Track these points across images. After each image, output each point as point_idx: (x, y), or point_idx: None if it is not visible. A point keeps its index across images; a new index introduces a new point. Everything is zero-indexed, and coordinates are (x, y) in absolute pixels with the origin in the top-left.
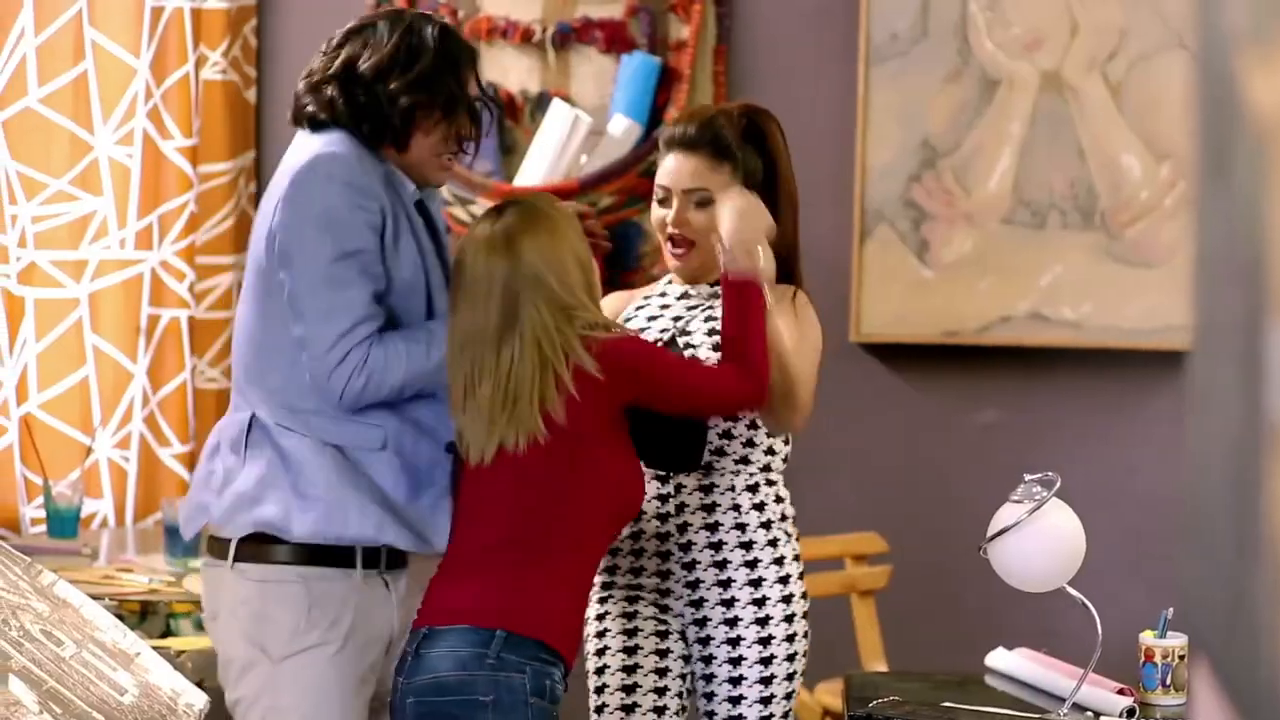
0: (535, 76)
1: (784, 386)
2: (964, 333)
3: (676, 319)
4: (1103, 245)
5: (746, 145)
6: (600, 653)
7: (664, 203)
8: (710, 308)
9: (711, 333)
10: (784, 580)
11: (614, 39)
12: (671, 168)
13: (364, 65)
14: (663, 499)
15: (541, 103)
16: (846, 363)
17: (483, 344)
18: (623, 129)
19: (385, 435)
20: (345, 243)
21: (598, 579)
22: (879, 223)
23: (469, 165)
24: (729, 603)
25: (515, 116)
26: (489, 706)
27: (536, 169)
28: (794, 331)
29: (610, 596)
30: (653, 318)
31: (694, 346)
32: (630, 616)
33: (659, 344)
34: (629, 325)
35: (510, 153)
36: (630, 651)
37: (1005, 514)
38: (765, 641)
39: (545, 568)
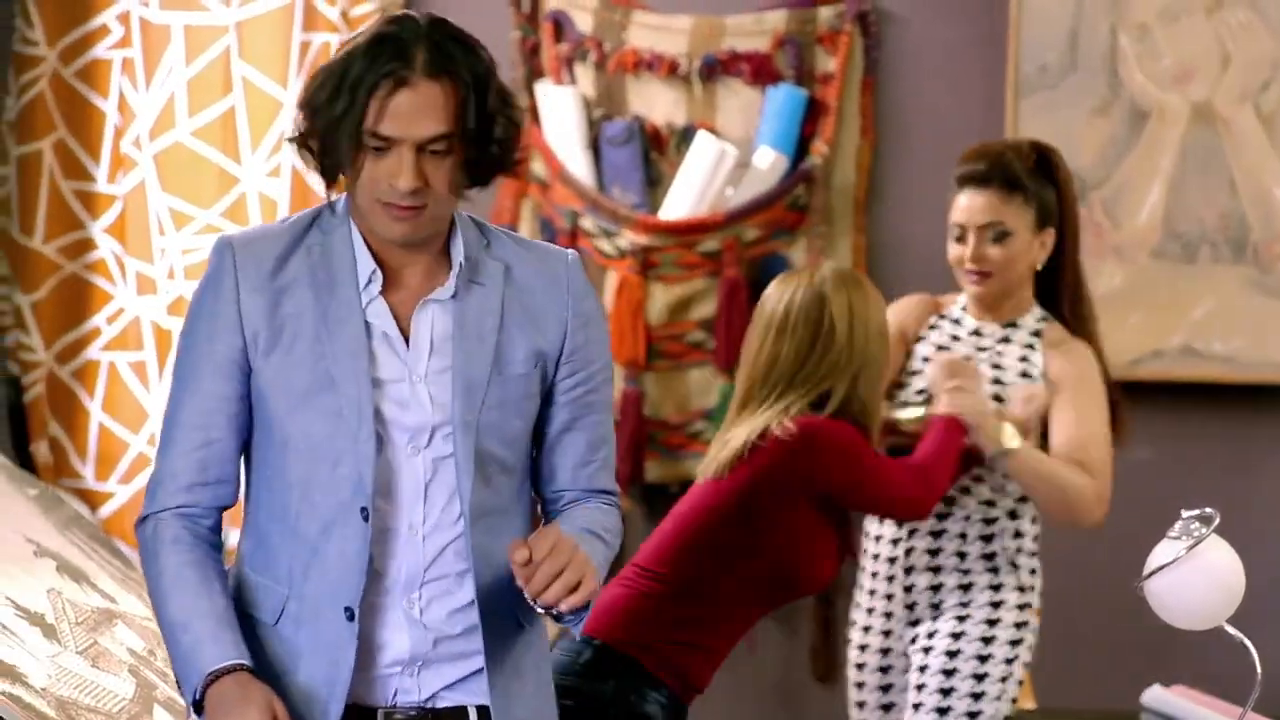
0: (681, 109)
1: (1072, 501)
2: (1115, 367)
3: (966, 359)
4: (1254, 279)
5: (1038, 177)
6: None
7: (961, 239)
8: (999, 353)
9: (997, 381)
10: (995, 605)
11: (760, 71)
12: (965, 204)
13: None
14: (900, 523)
15: (687, 135)
16: None
17: None
18: (768, 161)
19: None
20: (180, 368)
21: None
22: None
23: (609, 195)
24: (936, 619)
25: (661, 149)
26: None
27: (682, 201)
28: (1085, 414)
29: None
30: (941, 347)
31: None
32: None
33: None
34: (917, 348)
35: (656, 185)
36: (863, 649)
37: (1162, 551)
38: (953, 655)
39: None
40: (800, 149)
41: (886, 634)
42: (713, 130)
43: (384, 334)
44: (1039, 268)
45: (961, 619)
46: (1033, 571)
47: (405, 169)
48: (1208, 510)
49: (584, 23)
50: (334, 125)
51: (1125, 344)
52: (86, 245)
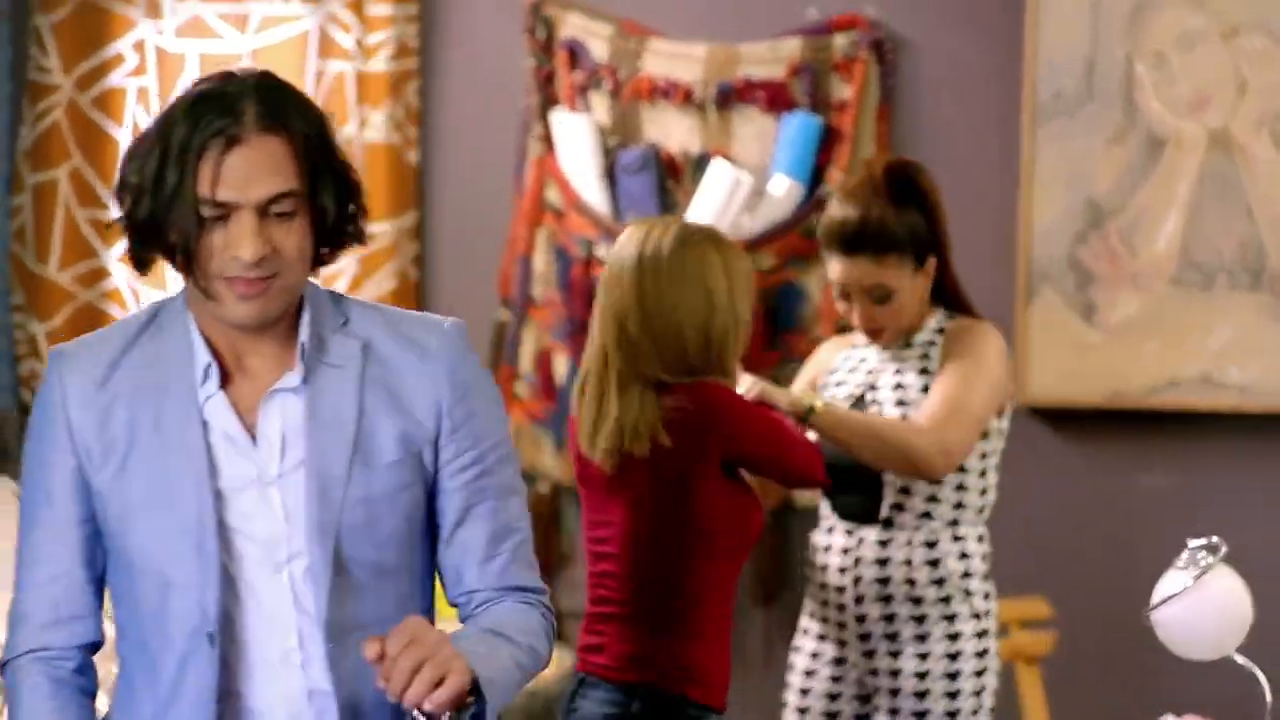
0: (696, 136)
1: (900, 451)
2: (1131, 396)
3: (870, 372)
4: (1272, 306)
5: (903, 210)
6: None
7: (847, 298)
8: (900, 360)
9: (899, 387)
10: (953, 638)
11: (775, 99)
12: (840, 269)
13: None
14: (845, 551)
15: (702, 163)
16: (1011, 425)
17: None
18: (784, 189)
19: None
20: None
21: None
22: (1044, 284)
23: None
24: (896, 654)
25: (676, 176)
26: None
27: None
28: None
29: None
30: (852, 370)
31: (880, 403)
32: (815, 656)
33: (850, 400)
34: (829, 378)
35: (671, 212)
36: (810, 674)
37: (1170, 581)
38: (922, 695)
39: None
40: (816, 176)
41: (839, 661)
42: (728, 158)
43: (225, 434)
44: (928, 289)
45: (923, 656)
46: (986, 596)
47: (247, 235)
48: (1214, 540)
49: (599, 51)
50: (169, 201)
51: (1142, 373)
52: (101, 274)
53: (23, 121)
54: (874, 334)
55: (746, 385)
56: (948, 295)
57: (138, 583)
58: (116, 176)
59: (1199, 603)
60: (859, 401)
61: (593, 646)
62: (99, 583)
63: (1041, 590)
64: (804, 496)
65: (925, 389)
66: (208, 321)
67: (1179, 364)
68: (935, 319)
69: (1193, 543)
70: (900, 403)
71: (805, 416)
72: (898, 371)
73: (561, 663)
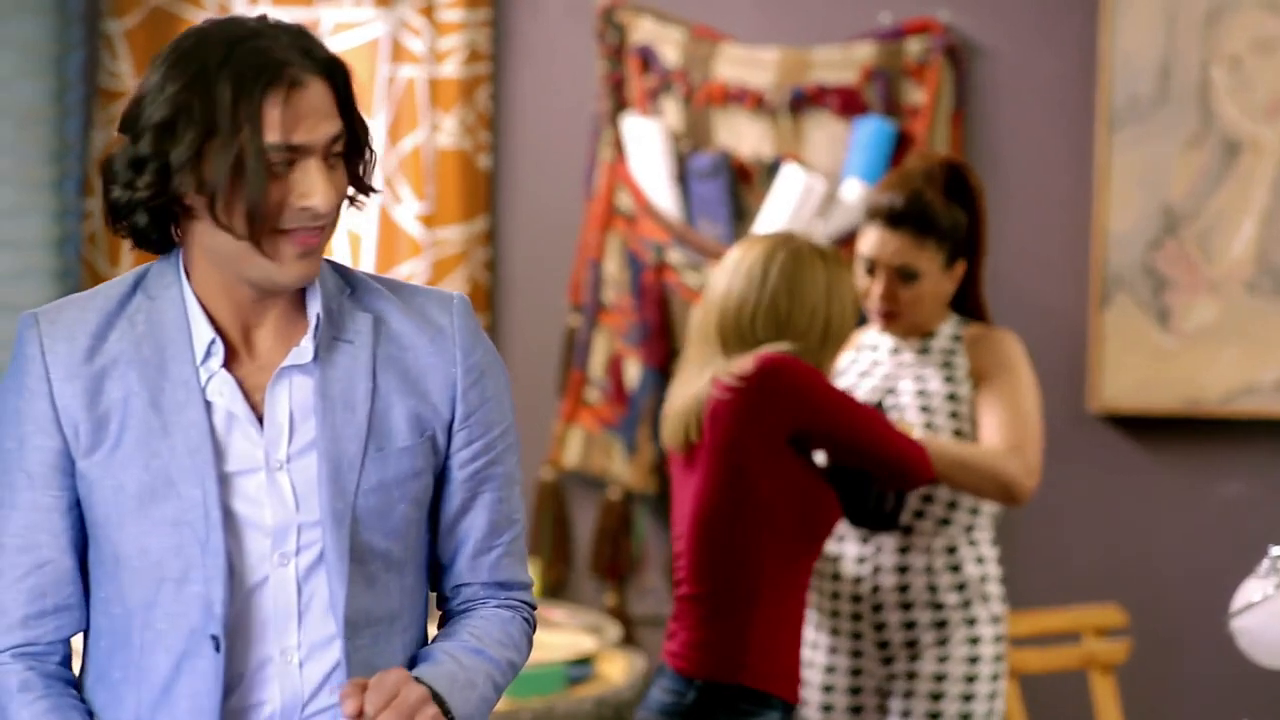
0: (768, 141)
1: (993, 478)
2: (1207, 403)
3: (886, 377)
4: None
5: (951, 204)
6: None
7: (871, 273)
8: (921, 366)
9: (921, 393)
10: (973, 641)
11: (848, 103)
12: (875, 241)
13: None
14: (861, 560)
15: (774, 168)
16: (1085, 433)
17: None
18: (856, 194)
19: None
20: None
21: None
22: (1118, 290)
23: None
24: (914, 659)
25: (748, 181)
26: None
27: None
28: (1010, 385)
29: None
30: (864, 374)
31: (901, 409)
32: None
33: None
34: (841, 380)
35: (743, 218)
36: (829, 690)
37: (1249, 589)
38: (937, 697)
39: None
40: None
41: (856, 673)
42: (800, 163)
43: (230, 415)
44: (951, 295)
45: (942, 659)
46: (1001, 599)
47: (320, 182)
48: None
49: (670, 55)
50: (236, 155)
51: (1218, 379)
52: None
53: (94, 126)
54: (887, 317)
55: None
56: (969, 303)
57: (124, 575)
58: (126, 153)
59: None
60: (876, 408)
61: (668, 634)
62: (84, 569)
63: (1117, 598)
64: None
65: (951, 397)
66: (214, 291)
67: (1255, 371)
68: (951, 324)
69: (1274, 550)
70: (924, 409)
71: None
72: (918, 377)
73: (633, 667)
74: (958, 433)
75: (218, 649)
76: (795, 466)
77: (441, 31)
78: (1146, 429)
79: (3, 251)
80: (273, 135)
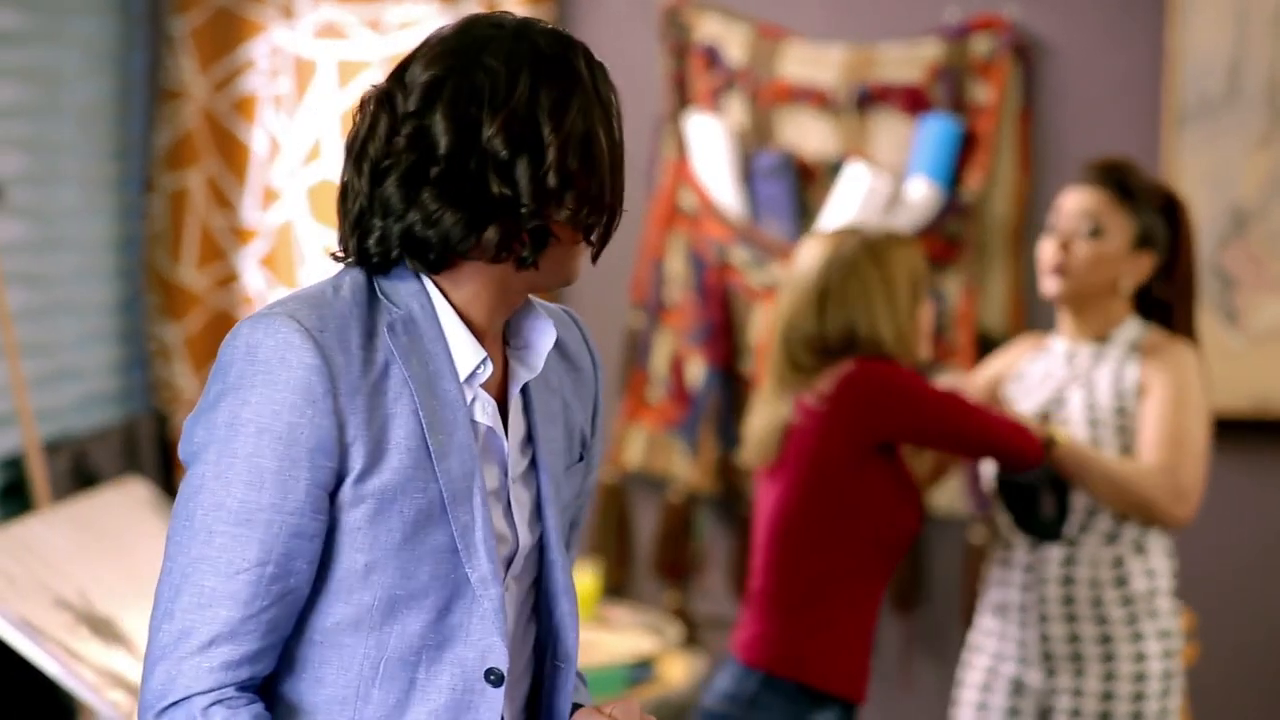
0: (832, 139)
1: (1139, 499)
2: (1277, 404)
3: (1057, 388)
4: None
5: (1158, 208)
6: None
7: (1055, 230)
8: (1091, 372)
9: (1090, 406)
10: (1139, 658)
11: (914, 101)
12: (1070, 200)
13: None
14: (1028, 569)
15: (838, 166)
16: None
17: None
18: (922, 193)
19: None
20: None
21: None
22: None
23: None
24: (1079, 674)
25: (812, 179)
26: None
27: None
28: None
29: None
30: (1041, 380)
31: (1067, 423)
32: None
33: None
34: (1015, 385)
35: (807, 215)
36: (986, 689)
37: None
38: (1105, 717)
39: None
40: (954, 180)
41: (1017, 686)
42: (865, 161)
43: (489, 435)
44: (1131, 290)
45: (1108, 677)
46: (1173, 614)
47: None
48: None
49: (735, 54)
50: (615, 165)
51: None
52: (234, 277)
53: (157, 125)
54: (1060, 272)
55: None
56: (1158, 311)
57: (364, 599)
58: (562, 168)
59: None
60: (1044, 420)
61: (738, 625)
62: None
63: (1185, 601)
64: (942, 502)
65: (1120, 410)
66: (477, 303)
67: None
68: (1130, 328)
69: None
70: (1092, 423)
71: (1045, 449)
72: (1089, 388)
73: (694, 668)
74: (1124, 448)
75: (498, 684)
76: (880, 478)
77: None
78: (1215, 431)
79: (66, 251)
80: None
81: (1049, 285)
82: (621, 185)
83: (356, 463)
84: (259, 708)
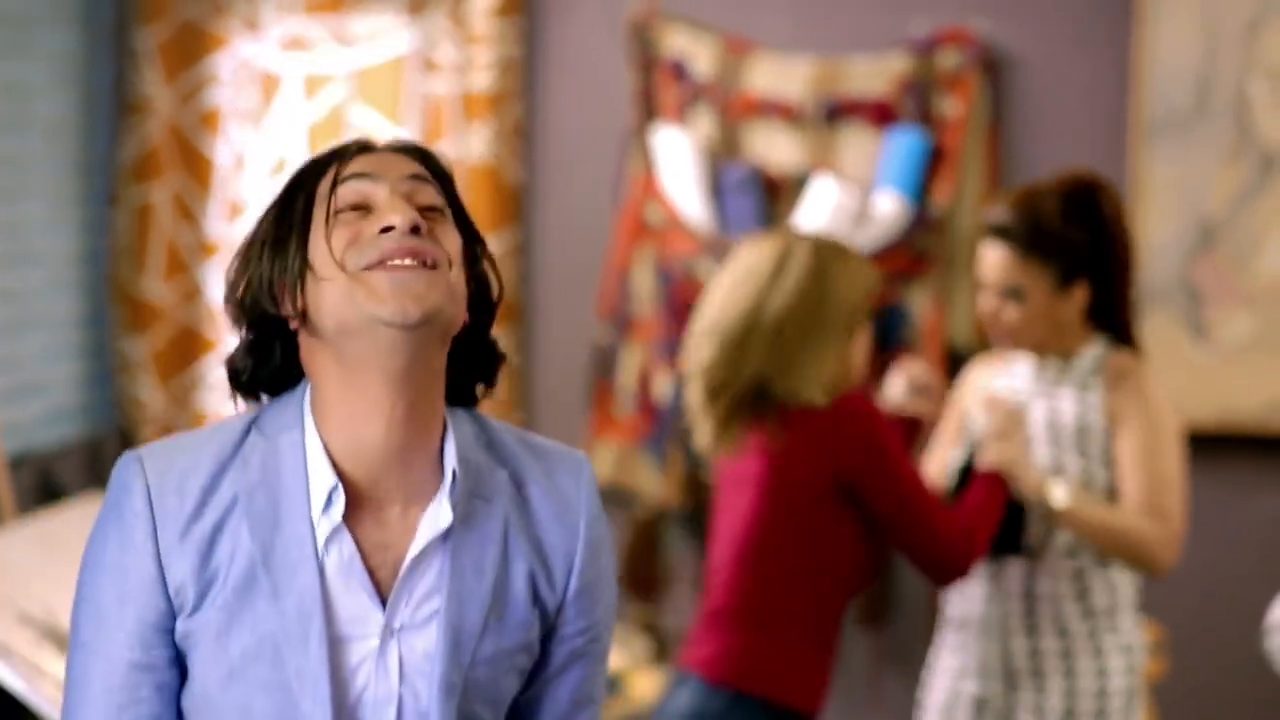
0: (800, 152)
1: (1137, 551)
2: (1244, 418)
3: (1016, 405)
4: None
5: (1069, 224)
6: None
7: (983, 284)
8: (1054, 395)
9: (1051, 425)
10: (1101, 673)
11: (881, 114)
12: (984, 259)
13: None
14: (990, 580)
15: (805, 180)
16: None
17: None
18: (889, 206)
19: None
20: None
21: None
22: (1154, 304)
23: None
24: (1040, 690)
25: (780, 193)
26: None
27: None
28: (1152, 441)
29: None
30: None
31: (1029, 440)
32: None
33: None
34: (980, 400)
35: (774, 229)
36: (954, 699)
37: None
38: None
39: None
40: (922, 194)
41: (980, 704)
42: (832, 174)
43: (346, 576)
44: (1078, 318)
45: (1070, 694)
46: (1135, 628)
47: (395, 203)
48: None
49: (702, 68)
50: (304, 216)
51: (1255, 394)
52: (200, 291)
53: (122, 139)
54: (998, 337)
55: (997, 450)
56: (1116, 324)
57: None
58: (236, 264)
59: None
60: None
61: (692, 642)
62: None
63: (1154, 615)
64: None
65: (1080, 431)
66: (341, 429)
67: None
68: (1095, 347)
69: None
70: (1052, 442)
71: (1046, 508)
72: (1052, 406)
73: (662, 682)
74: (1084, 470)
75: None
76: (840, 515)
77: (472, 44)
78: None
79: (30, 265)
80: (338, 179)
81: (998, 343)
82: (303, 228)
83: (188, 601)
84: None
